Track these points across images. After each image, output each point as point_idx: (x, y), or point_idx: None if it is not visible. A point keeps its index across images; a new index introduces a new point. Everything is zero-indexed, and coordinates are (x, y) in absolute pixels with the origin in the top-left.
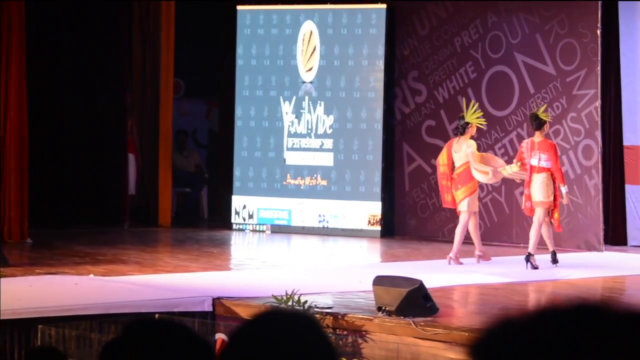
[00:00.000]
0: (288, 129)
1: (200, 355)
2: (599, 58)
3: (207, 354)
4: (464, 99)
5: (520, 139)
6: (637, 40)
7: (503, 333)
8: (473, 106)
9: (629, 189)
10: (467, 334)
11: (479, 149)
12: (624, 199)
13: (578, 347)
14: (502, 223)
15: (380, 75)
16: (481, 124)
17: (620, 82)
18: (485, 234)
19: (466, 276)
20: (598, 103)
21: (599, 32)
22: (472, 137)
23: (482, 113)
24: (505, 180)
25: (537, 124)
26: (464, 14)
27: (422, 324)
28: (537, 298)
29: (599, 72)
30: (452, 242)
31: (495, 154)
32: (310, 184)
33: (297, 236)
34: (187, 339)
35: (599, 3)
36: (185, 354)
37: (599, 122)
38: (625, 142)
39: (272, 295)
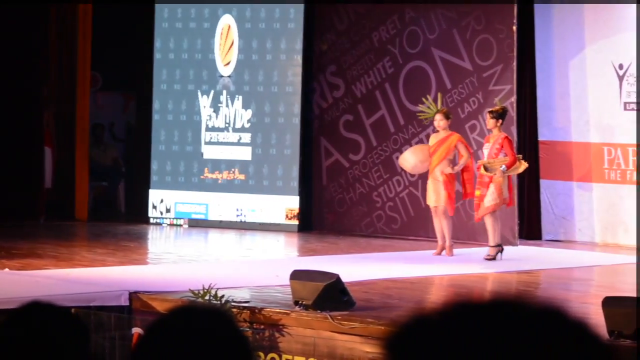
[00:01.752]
0: (206, 122)
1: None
2: (515, 54)
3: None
4: (439, 94)
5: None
6: (552, 36)
7: (417, 327)
8: (433, 100)
9: (544, 183)
10: (383, 328)
11: (395, 143)
12: (538, 194)
13: (492, 340)
14: (419, 217)
15: (298, 70)
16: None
17: (536, 78)
18: (401, 228)
19: (383, 270)
20: (514, 98)
21: (514, 28)
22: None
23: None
24: (421, 175)
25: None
26: (382, 9)
27: (339, 318)
28: (453, 292)
29: (515, 68)
30: (369, 236)
31: None
32: (228, 178)
33: (215, 230)
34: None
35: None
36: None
37: (515, 118)
38: (540, 137)
39: (189, 290)
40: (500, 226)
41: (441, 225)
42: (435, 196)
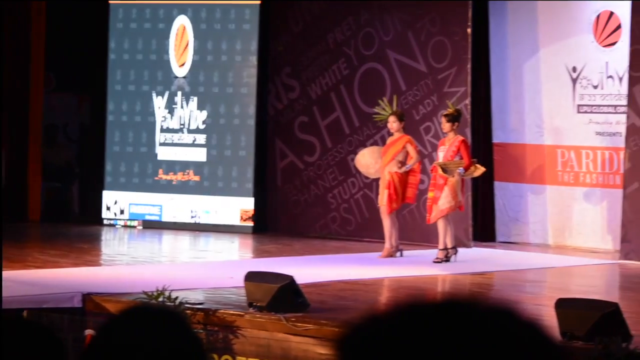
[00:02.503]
0: (160, 124)
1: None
2: (469, 56)
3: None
4: (394, 96)
5: (390, 135)
6: (507, 38)
7: (369, 328)
8: (389, 102)
9: (498, 185)
10: (337, 330)
11: (350, 144)
12: (492, 196)
13: (444, 341)
14: (374, 219)
15: (253, 71)
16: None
17: (490, 80)
18: (356, 230)
19: (337, 272)
20: (468, 101)
21: (469, 30)
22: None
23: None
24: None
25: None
26: (337, 11)
27: (293, 319)
28: (406, 294)
29: (469, 70)
30: (324, 237)
31: None
32: (183, 180)
33: (169, 232)
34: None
35: (470, 1)
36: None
37: (469, 120)
38: (495, 140)
39: (143, 291)
40: (452, 229)
41: (389, 226)
42: (380, 195)
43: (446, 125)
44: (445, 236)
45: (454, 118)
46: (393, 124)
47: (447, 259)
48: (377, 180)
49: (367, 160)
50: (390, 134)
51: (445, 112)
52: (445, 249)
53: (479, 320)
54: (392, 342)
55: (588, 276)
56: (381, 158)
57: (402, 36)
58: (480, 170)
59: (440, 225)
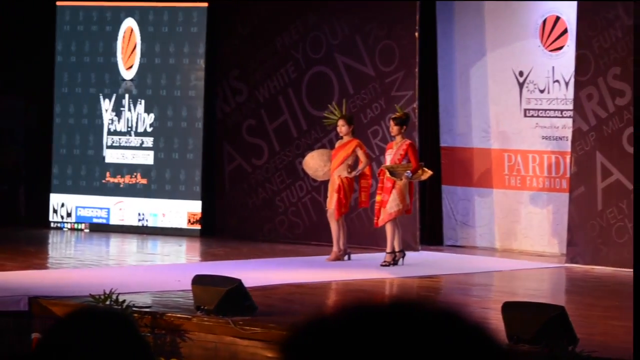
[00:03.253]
0: (108, 126)
1: None
2: (417, 60)
3: None
4: (344, 100)
5: (339, 138)
6: (454, 42)
7: (314, 331)
8: (338, 106)
9: (445, 189)
10: (285, 333)
11: (298, 148)
12: (440, 200)
13: (389, 344)
14: (321, 222)
15: (201, 74)
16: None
17: (437, 84)
18: (304, 233)
19: (285, 275)
20: (416, 104)
21: (417, 34)
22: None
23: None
24: (324, 180)
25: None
26: (285, 14)
27: (241, 323)
28: (354, 297)
29: (417, 74)
30: (271, 241)
31: None
32: (130, 183)
33: (116, 235)
34: None
35: (417, 4)
36: None
37: (417, 124)
38: (442, 143)
39: (90, 295)
40: (400, 232)
41: (337, 230)
42: (329, 199)
43: (394, 129)
44: (393, 240)
45: (402, 121)
46: (342, 127)
47: (394, 262)
48: (325, 183)
49: (315, 163)
50: (339, 138)
51: (393, 116)
52: (393, 252)
53: (425, 323)
54: (337, 345)
55: (534, 280)
56: (330, 161)
57: (350, 40)
58: (427, 173)
59: (389, 229)
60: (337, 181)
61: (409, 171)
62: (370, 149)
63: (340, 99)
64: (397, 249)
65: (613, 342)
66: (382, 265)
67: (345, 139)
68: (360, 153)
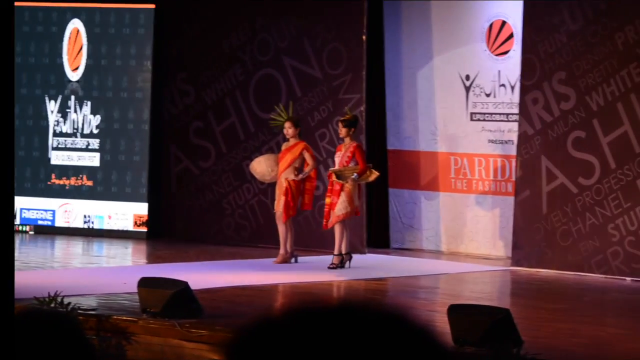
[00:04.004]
0: (53, 128)
1: None
2: (365, 63)
3: None
4: (290, 102)
5: (285, 141)
6: (401, 46)
7: (258, 333)
8: (285, 108)
9: (392, 192)
10: (231, 335)
11: (245, 150)
12: (387, 202)
13: (334, 346)
14: (269, 224)
15: (148, 76)
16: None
17: (385, 87)
18: (251, 236)
19: (232, 278)
20: (363, 107)
21: (364, 37)
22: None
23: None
24: (272, 183)
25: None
26: (233, 17)
27: (187, 325)
28: (300, 299)
29: (364, 77)
30: (218, 243)
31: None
32: (76, 185)
33: (62, 237)
34: None
35: (365, 8)
36: None
37: (364, 126)
38: (389, 146)
39: (34, 297)
40: (349, 234)
41: (285, 232)
42: (277, 201)
43: (342, 131)
44: (341, 242)
45: (351, 124)
46: (289, 129)
47: (341, 264)
48: (272, 185)
49: (262, 169)
50: (285, 140)
51: (342, 118)
52: (341, 254)
53: (370, 325)
54: (282, 347)
55: (480, 283)
56: (277, 165)
57: (298, 42)
58: (374, 174)
59: (337, 231)
60: (285, 184)
61: (355, 173)
62: (318, 152)
63: (288, 102)
64: (344, 252)
65: (558, 345)
66: (329, 268)
67: (292, 141)
68: (307, 156)
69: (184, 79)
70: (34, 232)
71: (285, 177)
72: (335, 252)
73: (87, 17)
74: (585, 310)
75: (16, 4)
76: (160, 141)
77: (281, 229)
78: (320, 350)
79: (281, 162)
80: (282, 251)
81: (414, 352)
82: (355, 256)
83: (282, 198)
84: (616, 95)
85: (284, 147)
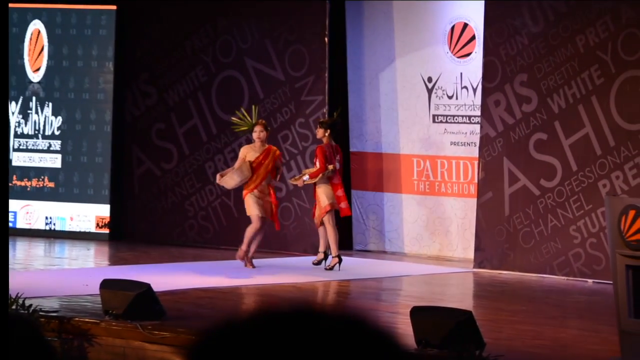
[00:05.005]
0: (14, 129)
1: None
2: (327, 65)
3: None
4: (254, 106)
5: (249, 143)
6: (363, 48)
7: (221, 336)
8: (247, 112)
9: (355, 194)
10: (193, 338)
11: (208, 152)
12: (350, 205)
13: (295, 350)
14: (231, 226)
15: (110, 77)
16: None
17: (347, 88)
18: (213, 238)
19: (194, 280)
20: (326, 109)
21: (326, 39)
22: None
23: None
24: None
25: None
26: (195, 18)
27: (150, 327)
28: (263, 302)
29: (327, 79)
30: (181, 245)
31: (225, 158)
32: (37, 186)
33: (23, 239)
34: None
35: (327, 10)
36: None
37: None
38: (352, 149)
39: None
40: (335, 236)
41: (261, 236)
42: (266, 207)
43: (319, 132)
44: (332, 242)
45: (326, 125)
46: (261, 133)
47: (321, 263)
48: (238, 188)
49: (236, 182)
50: (248, 142)
51: (321, 120)
52: (338, 255)
53: (331, 328)
54: (244, 350)
55: (443, 284)
56: (249, 171)
57: (260, 44)
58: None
59: (322, 231)
60: (268, 190)
61: (307, 175)
62: (281, 153)
63: (250, 104)
64: (321, 249)
65: (519, 346)
66: (326, 269)
67: (263, 145)
68: (279, 163)
69: (146, 81)
70: None
71: (268, 184)
72: (333, 253)
73: (48, 18)
74: (547, 312)
75: None
76: (123, 143)
77: (261, 232)
78: (281, 354)
79: (261, 168)
80: (244, 247)
81: (374, 355)
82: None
83: (273, 205)
84: (577, 98)
85: (250, 150)
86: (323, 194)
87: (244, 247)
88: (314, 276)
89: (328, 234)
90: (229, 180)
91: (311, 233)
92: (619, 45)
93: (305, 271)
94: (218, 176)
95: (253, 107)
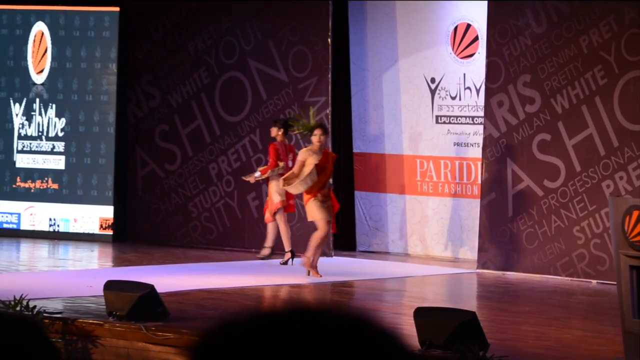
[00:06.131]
0: (18, 131)
1: None
2: (330, 66)
3: None
4: (311, 107)
5: (253, 144)
6: (366, 49)
7: (224, 336)
8: (302, 115)
9: (358, 195)
10: (197, 339)
11: (212, 153)
12: (353, 205)
13: (297, 350)
14: (235, 228)
15: (113, 79)
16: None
17: (350, 89)
18: (217, 239)
19: (198, 281)
20: (329, 110)
21: (329, 40)
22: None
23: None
24: (239, 186)
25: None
26: (198, 19)
27: (153, 328)
28: (267, 303)
29: (330, 80)
30: (185, 246)
31: (228, 159)
32: (41, 187)
33: (27, 240)
34: None
35: (330, 11)
36: None
37: (330, 129)
38: (355, 149)
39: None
40: (287, 232)
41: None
42: (330, 211)
43: (272, 130)
44: (274, 236)
45: (279, 124)
46: (321, 136)
47: (266, 258)
48: (238, 188)
49: (305, 188)
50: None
51: (275, 119)
52: (270, 248)
53: (335, 329)
54: (247, 350)
55: (446, 285)
56: (317, 176)
57: (263, 45)
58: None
59: (271, 227)
60: (330, 194)
61: (258, 171)
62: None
63: (254, 105)
64: (267, 245)
65: (523, 347)
66: (281, 264)
67: (320, 149)
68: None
69: (149, 82)
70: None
71: (329, 187)
72: (286, 248)
73: (52, 20)
74: (551, 313)
75: None
76: (126, 144)
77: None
78: (284, 354)
79: (323, 172)
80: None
81: (378, 355)
82: (321, 259)
83: (335, 207)
84: (581, 98)
85: (314, 155)
86: (275, 191)
87: (309, 254)
88: (318, 277)
89: (280, 230)
90: (299, 186)
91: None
92: (622, 46)
93: (287, 267)
94: (281, 180)
95: (310, 108)
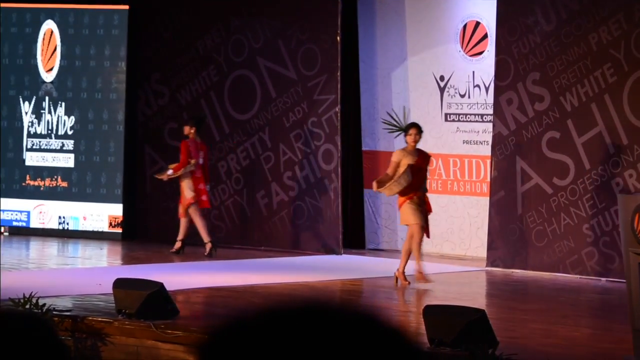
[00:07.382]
0: (28, 129)
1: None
2: (339, 64)
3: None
4: (404, 106)
5: (262, 142)
6: (375, 47)
7: (233, 334)
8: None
9: (367, 193)
10: (206, 337)
11: (221, 151)
12: (362, 203)
13: (306, 347)
14: (244, 225)
15: (122, 77)
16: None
17: (359, 87)
18: (226, 236)
19: (207, 279)
20: (338, 108)
21: (338, 38)
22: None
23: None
24: (248, 183)
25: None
26: (207, 18)
27: (163, 326)
28: (274, 300)
29: (339, 78)
30: (193, 244)
31: (237, 157)
32: (51, 186)
33: (37, 238)
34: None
35: (339, 9)
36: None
37: (339, 127)
38: (364, 147)
39: (9, 298)
40: (202, 224)
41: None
42: (424, 216)
43: (185, 128)
44: (186, 230)
45: (191, 122)
46: (417, 136)
47: (180, 251)
48: (247, 186)
49: (400, 189)
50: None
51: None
52: (181, 240)
53: (343, 327)
54: (256, 348)
55: (455, 283)
56: (412, 177)
57: (272, 43)
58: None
59: (184, 222)
60: (425, 198)
61: (171, 169)
62: (293, 153)
63: (263, 103)
64: (179, 238)
65: (533, 345)
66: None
67: (414, 149)
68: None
69: (158, 80)
70: (9, 234)
71: (424, 191)
72: (204, 240)
73: (61, 18)
74: (560, 311)
75: None
76: (135, 142)
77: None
78: (293, 352)
79: (421, 173)
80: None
81: (387, 353)
82: (330, 257)
83: (429, 211)
84: (590, 96)
85: (409, 155)
86: (187, 187)
87: (403, 263)
88: (326, 275)
89: (196, 223)
90: (393, 187)
91: (323, 232)
92: (632, 43)
93: (317, 270)
94: (375, 183)
95: (403, 108)
